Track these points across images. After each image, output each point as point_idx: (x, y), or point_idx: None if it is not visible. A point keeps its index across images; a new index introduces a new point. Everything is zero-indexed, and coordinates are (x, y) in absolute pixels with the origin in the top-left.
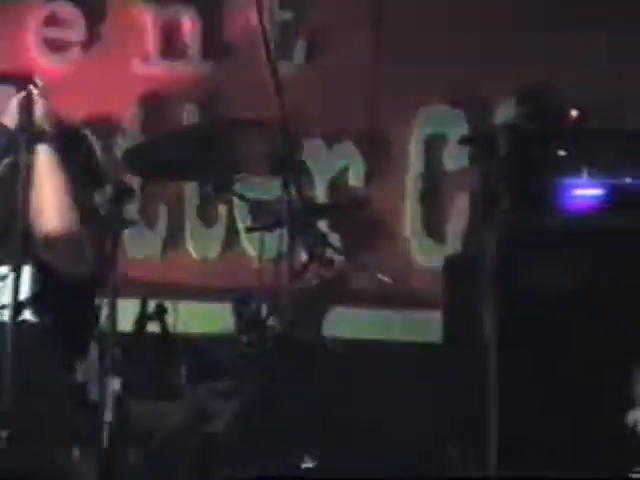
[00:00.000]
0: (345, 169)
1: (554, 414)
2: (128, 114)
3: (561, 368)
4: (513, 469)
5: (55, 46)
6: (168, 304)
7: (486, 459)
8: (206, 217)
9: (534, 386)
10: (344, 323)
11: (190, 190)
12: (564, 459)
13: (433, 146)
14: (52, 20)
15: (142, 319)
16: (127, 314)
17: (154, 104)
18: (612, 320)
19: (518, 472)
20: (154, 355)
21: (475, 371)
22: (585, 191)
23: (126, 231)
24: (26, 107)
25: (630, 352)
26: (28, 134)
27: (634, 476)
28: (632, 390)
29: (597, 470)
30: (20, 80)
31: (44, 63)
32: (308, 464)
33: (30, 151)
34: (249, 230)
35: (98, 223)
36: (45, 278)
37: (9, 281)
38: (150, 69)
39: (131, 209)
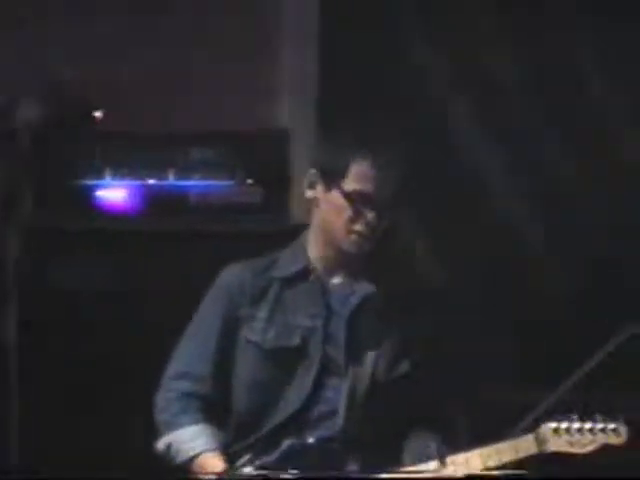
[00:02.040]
0: None
1: (78, 415)
2: None
3: (86, 371)
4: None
5: None
6: None
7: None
8: None
9: (58, 388)
10: None
11: None
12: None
13: None
14: None
15: None
16: None
17: None
18: (138, 322)
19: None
20: None
21: None
22: (109, 193)
23: None
24: None
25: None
26: None
27: None
28: None
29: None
30: None
31: None
32: None
33: None
34: None
35: None
36: None
37: None
38: None
39: None
